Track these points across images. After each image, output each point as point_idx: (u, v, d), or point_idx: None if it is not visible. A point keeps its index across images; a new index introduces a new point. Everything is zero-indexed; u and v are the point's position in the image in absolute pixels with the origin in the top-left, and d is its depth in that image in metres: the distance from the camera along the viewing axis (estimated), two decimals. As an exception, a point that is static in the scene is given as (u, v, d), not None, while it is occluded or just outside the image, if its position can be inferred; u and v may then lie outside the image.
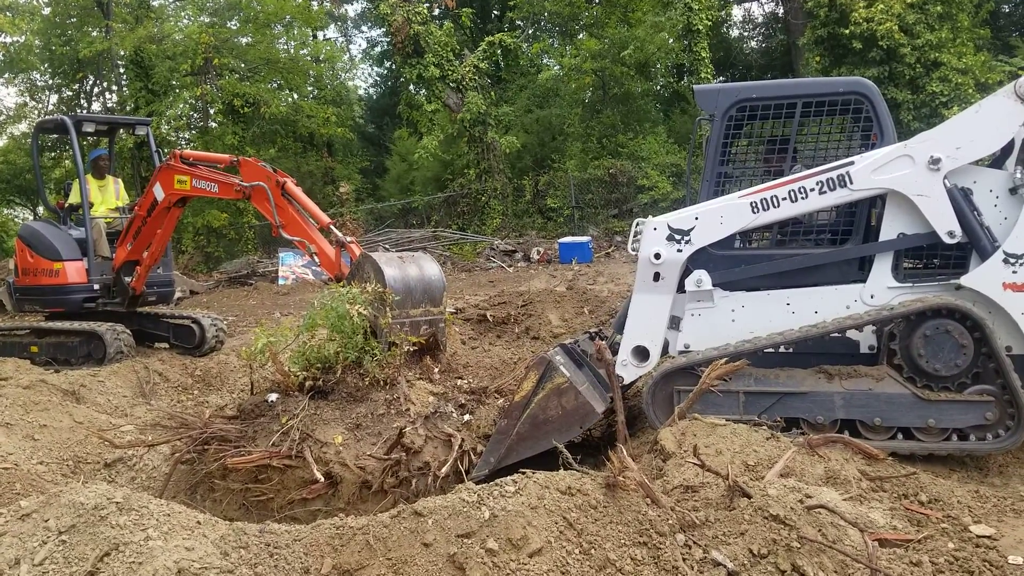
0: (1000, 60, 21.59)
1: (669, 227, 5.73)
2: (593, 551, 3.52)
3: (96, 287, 9.85)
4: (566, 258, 20.58)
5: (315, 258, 7.26)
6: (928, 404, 5.17)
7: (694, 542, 3.64)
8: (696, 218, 5.70)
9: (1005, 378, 5.06)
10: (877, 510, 4.19)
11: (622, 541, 3.59)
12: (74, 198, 10.25)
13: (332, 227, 7.23)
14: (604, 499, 3.77)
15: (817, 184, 5.45)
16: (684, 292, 5.76)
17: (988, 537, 3.98)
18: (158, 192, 8.98)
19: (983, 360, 5.16)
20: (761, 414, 5.36)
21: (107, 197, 10.55)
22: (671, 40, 26.11)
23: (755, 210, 5.58)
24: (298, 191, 7.56)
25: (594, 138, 26.98)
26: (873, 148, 5.59)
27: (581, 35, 31.11)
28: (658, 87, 30.95)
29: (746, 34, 36.80)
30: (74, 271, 9.74)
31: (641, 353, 5.85)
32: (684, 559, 3.55)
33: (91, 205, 10.07)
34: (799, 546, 3.53)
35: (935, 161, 5.22)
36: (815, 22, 22.12)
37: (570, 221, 25.07)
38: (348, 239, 7.07)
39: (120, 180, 11.06)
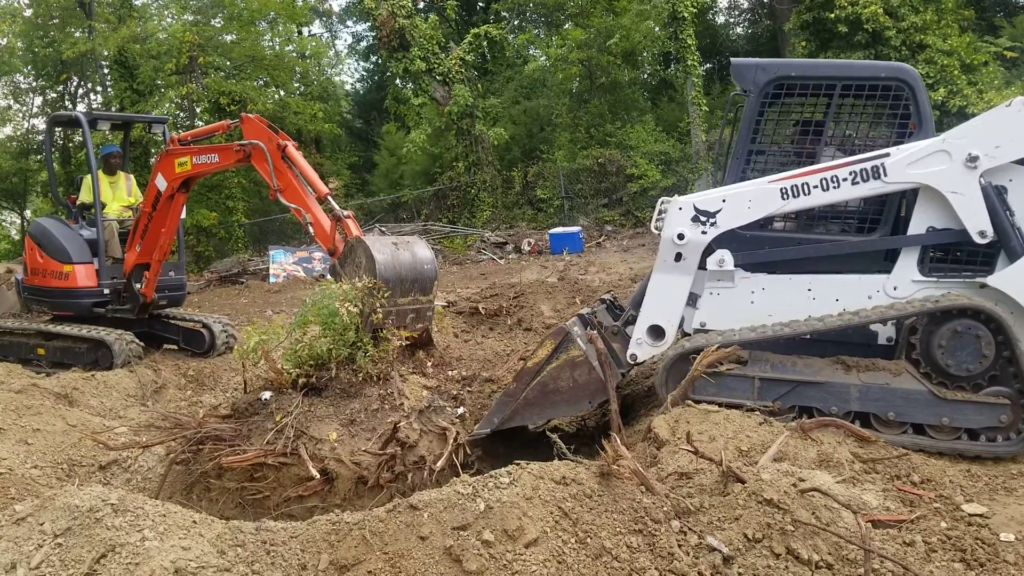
0: (985, 41, 21.64)
1: (695, 208, 5.61)
2: (589, 540, 3.53)
3: (106, 291, 9.57)
4: (557, 249, 20.59)
5: (310, 228, 7.07)
6: (944, 403, 5.07)
7: (689, 528, 3.67)
8: (723, 200, 5.58)
9: (1022, 381, 4.97)
10: (870, 492, 4.22)
11: (618, 529, 3.61)
12: (84, 196, 9.98)
13: (330, 198, 7.02)
14: (599, 488, 3.79)
15: (850, 174, 5.33)
16: (705, 270, 5.70)
17: (980, 515, 4.01)
18: (160, 183, 8.75)
19: (1003, 362, 5.06)
20: (775, 400, 5.29)
21: (118, 194, 10.29)
22: (657, 28, 26.07)
23: (785, 196, 5.47)
24: (298, 156, 7.32)
25: (582, 128, 26.95)
26: (910, 137, 5.47)
27: (567, 25, 31.02)
28: (645, 75, 30.95)
29: (732, 20, 36.82)
30: (84, 275, 9.48)
31: (657, 332, 5.77)
32: (680, 545, 3.57)
33: (103, 205, 9.82)
34: (793, 529, 3.56)
35: (973, 159, 5.10)
36: (800, 7, 22.13)
37: (560, 212, 25.08)
38: (345, 214, 6.87)
39: (132, 176, 10.75)
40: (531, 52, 32.61)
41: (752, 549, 3.53)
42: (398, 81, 28.72)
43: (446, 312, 10.99)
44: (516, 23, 33.00)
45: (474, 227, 24.89)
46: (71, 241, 9.64)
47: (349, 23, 43.97)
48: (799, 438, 4.73)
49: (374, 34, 28.13)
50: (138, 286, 9.55)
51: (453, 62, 25.28)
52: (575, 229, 21.52)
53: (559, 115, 27.96)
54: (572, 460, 4.06)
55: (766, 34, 31.70)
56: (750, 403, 5.26)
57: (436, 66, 25.09)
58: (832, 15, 20.52)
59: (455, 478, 3.99)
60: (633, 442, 5.28)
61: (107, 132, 11.86)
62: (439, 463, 5.39)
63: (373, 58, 39.78)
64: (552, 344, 5.65)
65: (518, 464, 3.94)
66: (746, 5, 35.84)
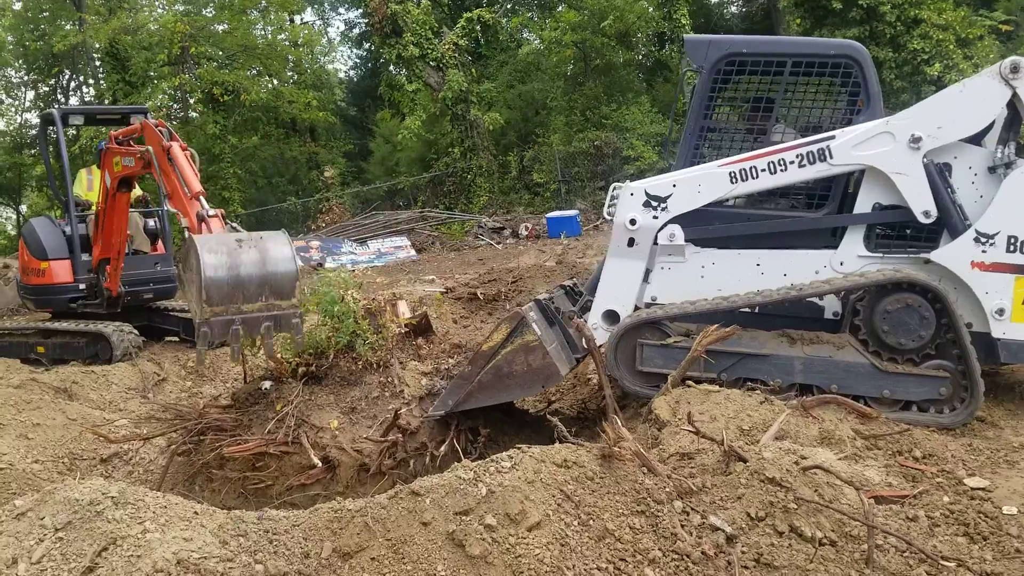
0: (980, 15, 21.53)
1: (646, 193, 5.70)
2: (591, 522, 3.53)
3: (82, 287, 9.60)
4: (554, 233, 20.55)
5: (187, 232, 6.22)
6: (885, 375, 5.17)
7: (692, 508, 3.66)
8: (674, 185, 5.67)
9: (963, 353, 5.05)
10: (872, 468, 4.21)
11: (620, 511, 3.60)
12: (78, 190, 9.98)
13: (202, 198, 6.06)
14: (600, 470, 3.78)
15: (797, 157, 5.43)
16: (656, 245, 5.77)
17: (982, 489, 4.00)
18: (108, 178, 8.61)
19: (943, 335, 5.15)
20: (721, 373, 5.38)
21: None
22: (651, 8, 25.92)
23: (734, 180, 5.56)
24: (180, 155, 6.53)
25: (578, 111, 26.84)
26: (859, 115, 5.55)
27: (560, 7, 30.85)
28: (640, 57, 30.79)
29: (726, -1, 36.60)
30: (60, 270, 9.52)
31: (611, 317, 5.85)
32: (682, 526, 3.57)
33: (85, 205, 9.82)
34: (796, 507, 3.55)
35: (916, 140, 5.19)
36: (794, -16, 22.01)
37: (557, 195, 25.02)
38: (211, 212, 5.82)
39: None
40: (525, 35, 32.47)
41: (755, 528, 3.53)
42: (392, 68, 28.55)
43: (445, 298, 10.98)
44: (509, 6, 32.85)
45: (471, 212, 24.84)
46: (50, 237, 9.68)
47: (341, 10, 43.80)
48: (800, 416, 4.72)
49: (366, 21, 28.03)
50: (103, 279, 9.52)
51: (446, 47, 25.15)
52: (572, 212, 21.47)
53: (554, 98, 27.83)
54: (573, 443, 4.05)
55: (760, 12, 31.53)
56: (697, 375, 5.35)
57: (429, 51, 24.96)
58: (827, -9, 20.41)
59: (456, 463, 3.98)
60: (634, 424, 5.28)
61: (79, 127, 11.81)
62: (441, 449, 5.39)
63: (366, 45, 39.57)
64: (507, 328, 5.64)
65: (519, 448, 3.93)
66: (740, -17, 35.66)
